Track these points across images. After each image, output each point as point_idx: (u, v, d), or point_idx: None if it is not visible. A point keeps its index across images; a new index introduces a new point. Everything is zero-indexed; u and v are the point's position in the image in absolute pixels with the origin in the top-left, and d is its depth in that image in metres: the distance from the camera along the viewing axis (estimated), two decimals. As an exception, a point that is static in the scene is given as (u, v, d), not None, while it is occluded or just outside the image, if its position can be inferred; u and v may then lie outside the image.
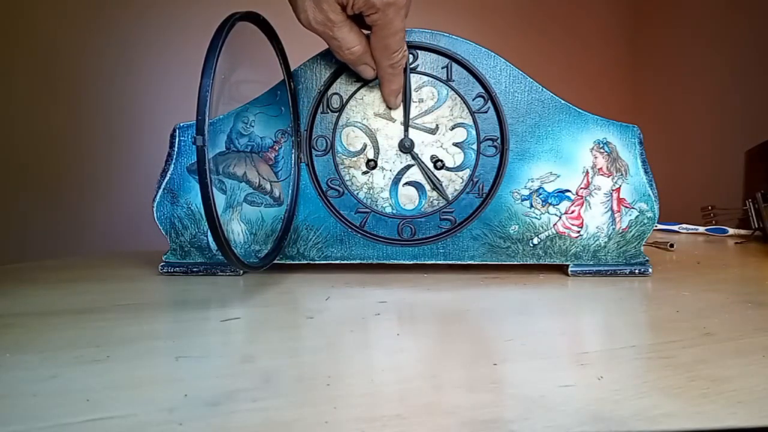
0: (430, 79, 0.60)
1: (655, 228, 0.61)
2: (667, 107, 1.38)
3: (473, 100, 0.60)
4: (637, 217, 0.59)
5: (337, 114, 0.60)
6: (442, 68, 0.60)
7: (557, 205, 0.59)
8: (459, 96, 0.60)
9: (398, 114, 0.60)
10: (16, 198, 0.99)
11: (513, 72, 0.59)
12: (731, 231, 1.01)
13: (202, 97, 0.41)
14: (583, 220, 0.59)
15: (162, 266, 0.60)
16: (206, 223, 0.52)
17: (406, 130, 0.60)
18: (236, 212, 0.60)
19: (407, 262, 0.61)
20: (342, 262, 0.61)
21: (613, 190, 0.59)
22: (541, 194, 0.59)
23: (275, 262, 0.58)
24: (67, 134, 1.03)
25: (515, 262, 0.60)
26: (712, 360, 0.34)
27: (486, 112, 0.60)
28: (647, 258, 0.60)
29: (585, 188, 0.59)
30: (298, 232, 0.61)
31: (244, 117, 0.60)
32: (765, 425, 0.25)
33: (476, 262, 0.60)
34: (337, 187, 0.61)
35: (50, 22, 1.00)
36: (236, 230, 0.60)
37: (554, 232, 0.59)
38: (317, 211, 0.60)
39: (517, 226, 0.59)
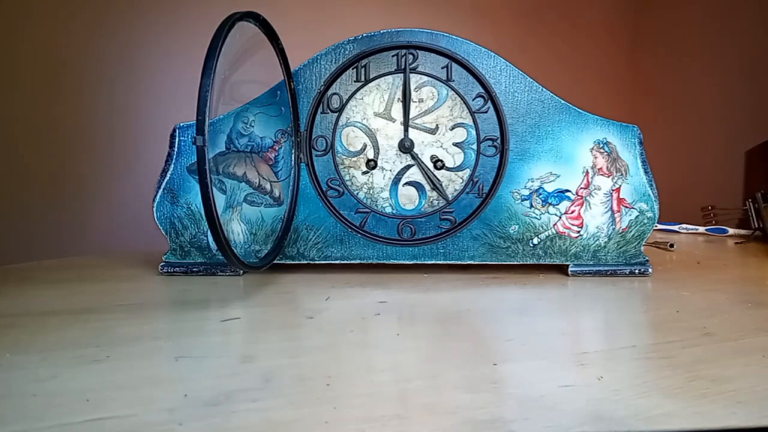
0: (430, 79, 0.60)
1: (655, 228, 0.61)
2: (667, 107, 1.38)
3: (473, 100, 0.60)
4: (637, 217, 0.59)
5: (337, 114, 0.60)
6: (442, 68, 0.60)
7: (557, 205, 0.59)
8: (459, 96, 0.60)
9: (398, 114, 0.60)
10: (16, 198, 0.99)
11: (513, 72, 0.59)
12: (731, 231, 1.01)
13: (202, 97, 0.41)
14: (583, 220, 0.59)
15: (162, 266, 0.60)
16: (206, 223, 0.52)
17: (406, 130, 0.60)
18: (236, 212, 0.60)
19: (407, 262, 0.61)
20: (342, 262, 0.61)
21: (613, 190, 0.59)
22: (541, 194, 0.59)
23: (275, 262, 0.58)
24: (67, 134, 1.03)
25: (515, 262, 0.60)
26: (712, 360, 0.34)
27: (486, 112, 0.60)
28: (647, 258, 0.60)
29: (585, 188, 0.59)
30: (298, 232, 0.61)
31: (244, 117, 0.60)
32: (765, 425, 0.25)
33: (476, 262, 0.60)
34: (337, 187, 0.61)
35: (51, 22, 1.00)
36: (236, 230, 0.60)
37: (554, 232, 0.59)
38: (317, 211, 0.60)
39: (517, 226, 0.59)
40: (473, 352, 0.36)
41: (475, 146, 0.60)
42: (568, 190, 0.59)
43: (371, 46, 0.59)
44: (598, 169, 0.59)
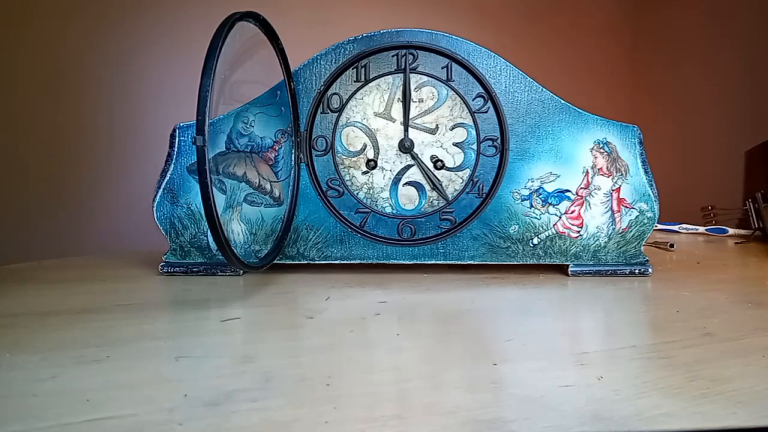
0: (430, 78, 0.60)
1: (655, 228, 0.61)
2: (667, 107, 1.38)
3: (473, 100, 0.60)
4: (637, 217, 0.59)
5: (337, 114, 0.60)
6: (442, 68, 0.60)
7: (557, 205, 0.59)
8: (459, 96, 0.60)
9: (398, 114, 0.60)
10: (16, 198, 0.99)
11: (513, 72, 0.59)
12: (731, 231, 1.01)
13: (202, 97, 0.41)
14: (583, 220, 0.59)
15: (162, 266, 0.60)
16: (206, 223, 0.52)
17: (406, 130, 0.60)
18: (236, 212, 0.60)
19: (407, 262, 0.61)
20: (342, 262, 0.61)
21: (613, 190, 0.59)
22: (541, 194, 0.59)
23: (275, 262, 0.58)
24: (67, 134, 1.03)
25: (515, 262, 0.60)
26: (712, 360, 0.34)
27: (486, 112, 0.60)
28: (647, 258, 0.60)
29: (585, 188, 0.59)
30: (298, 232, 0.61)
31: (244, 117, 0.60)
32: (765, 425, 0.25)
33: (476, 262, 0.60)
34: (337, 187, 0.61)
35: (51, 22, 1.00)
36: (236, 230, 0.60)
37: (554, 232, 0.59)
38: (317, 211, 0.60)
39: (517, 226, 0.59)
40: (473, 352, 0.36)
41: (475, 146, 0.60)
42: (568, 190, 0.59)
43: (371, 46, 0.59)
44: (598, 169, 0.59)
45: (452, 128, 0.60)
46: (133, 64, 1.06)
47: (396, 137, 0.60)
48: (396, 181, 0.61)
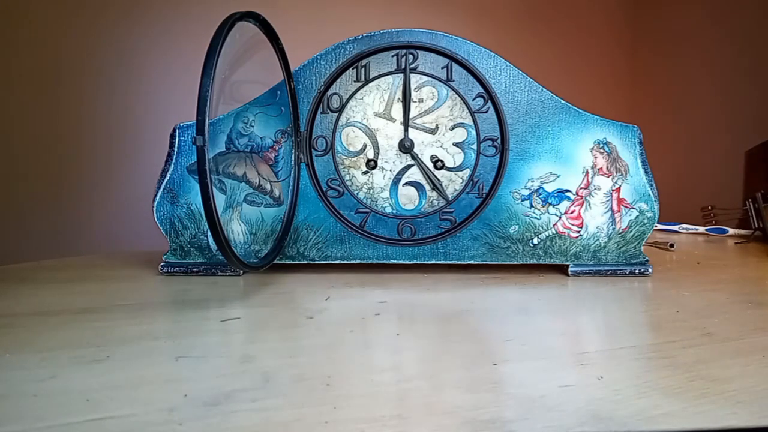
0: (430, 79, 0.60)
1: (655, 228, 0.61)
2: (668, 107, 1.38)
3: (473, 100, 0.60)
4: (637, 217, 0.59)
5: (336, 114, 0.60)
6: (442, 68, 0.60)
7: (557, 205, 0.59)
8: (459, 96, 0.60)
9: (398, 114, 0.60)
10: (16, 198, 0.99)
11: (513, 72, 0.59)
12: (731, 231, 1.01)
13: (202, 97, 0.41)
14: (583, 220, 0.59)
15: (162, 266, 0.60)
16: (206, 223, 0.52)
17: (406, 130, 0.60)
18: (236, 212, 0.60)
19: (407, 262, 0.61)
20: (342, 262, 0.61)
21: (613, 190, 0.59)
22: (541, 194, 0.59)
23: (275, 262, 0.58)
24: (67, 134, 1.03)
25: (515, 262, 0.60)
26: (712, 360, 0.34)
27: (486, 112, 0.60)
28: (647, 258, 0.60)
29: (585, 188, 0.59)
30: (298, 232, 0.61)
31: (244, 117, 0.60)
32: (765, 425, 0.25)
33: (476, 262, 0.60)
34: (337, 187, 0.61)
35: (51, 23, 1.00)
36: (236, 230, 0.60)
37: (554, 232, 0.59)
38: (317, 211, 0.60)
39: (517, 226, 0.59)
40: (473, 352, 0.36)
41: (475, 146, 0.60)
42: (568, 190, 0.59)
43: (371, 46, 0.59)
44: (598, 169, 0.59)
45: (452, 128, 0.60)
46: (132, 64, 1.06)
47: (396, 137, 0.60)
48: (396, 181, 0.61)
